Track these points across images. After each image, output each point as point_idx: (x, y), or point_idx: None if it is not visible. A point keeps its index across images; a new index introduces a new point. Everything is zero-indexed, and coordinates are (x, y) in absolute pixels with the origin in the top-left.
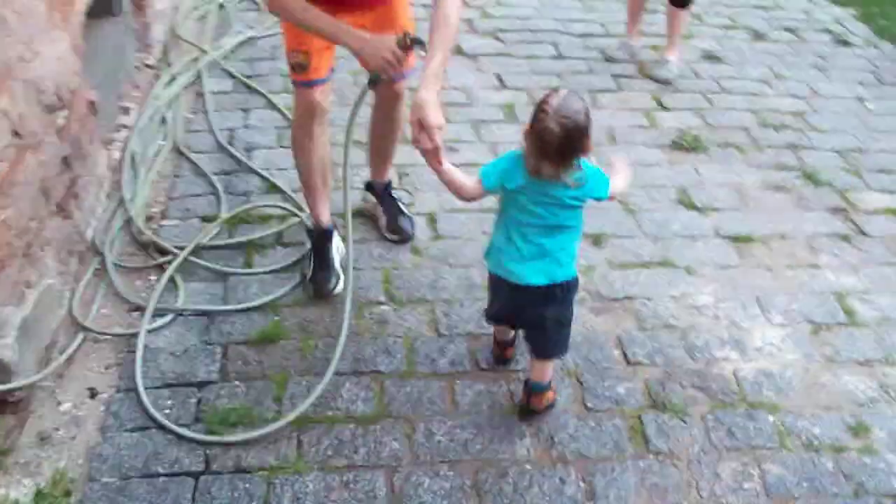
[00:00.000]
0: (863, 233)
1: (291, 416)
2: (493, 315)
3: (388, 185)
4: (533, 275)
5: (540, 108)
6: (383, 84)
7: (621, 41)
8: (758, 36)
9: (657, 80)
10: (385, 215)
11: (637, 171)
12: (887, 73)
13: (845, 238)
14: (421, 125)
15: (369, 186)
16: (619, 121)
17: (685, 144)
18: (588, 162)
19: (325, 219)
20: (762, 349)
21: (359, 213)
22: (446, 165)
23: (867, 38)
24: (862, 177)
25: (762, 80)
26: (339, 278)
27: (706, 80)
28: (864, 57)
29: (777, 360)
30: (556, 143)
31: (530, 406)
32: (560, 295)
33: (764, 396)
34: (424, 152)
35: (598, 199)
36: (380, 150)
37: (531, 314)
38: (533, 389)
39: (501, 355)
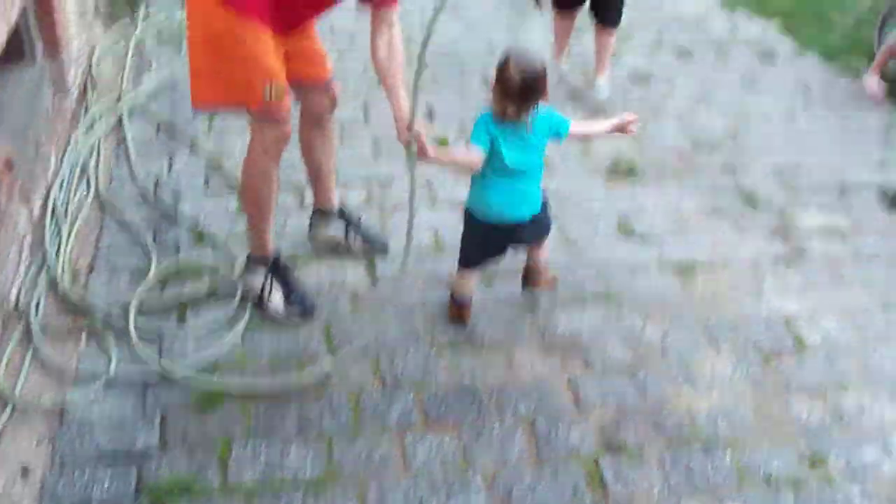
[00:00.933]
0: (803, 254)
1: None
2: (478, 260)
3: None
4: (529, 209)
5: (502, 65)
6: (319, 93)
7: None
8: (685, 53)
9: (590, 103)
10: (358, 234)
11: (575, 202)
12: (814, 86)
13: (787, 260)
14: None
15: (337, 212)
16: (553, 150)
17: (621, 171)
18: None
19: (273, 246)
20: (713, 382)
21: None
22: (438, 153)
23: (792, 51)
24: (798, 195)
25: (693, 100)
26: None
27: (637, 102)
28: (791, 70)
29: (729, 393)
30: (520, 91)
31: (536, 282)
32: (542, 215)
33: (719, 432)
34: (426, 157)
35: (560, 136)
36: (330, 169)
37: (526, 237)
38: (535, 266)
39: (460, 316)
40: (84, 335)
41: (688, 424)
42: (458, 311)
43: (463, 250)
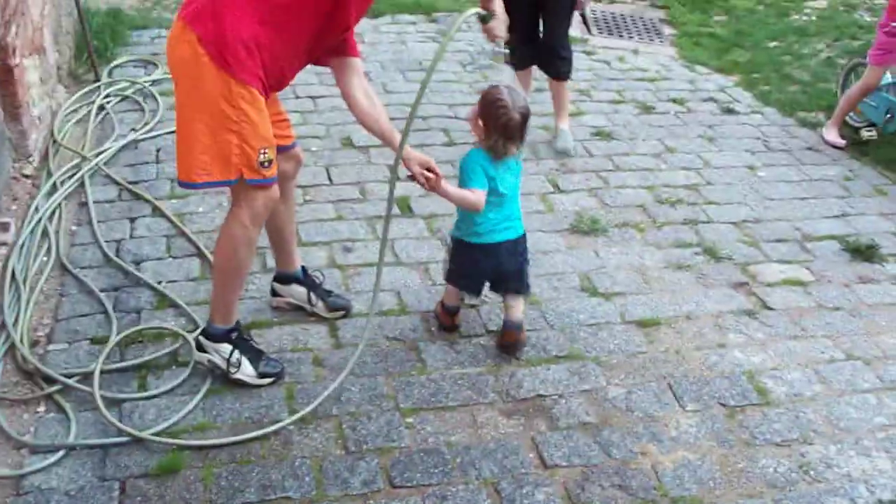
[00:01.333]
0: (766, 306)
1: None
2: (470, 284)
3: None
4: (514, 231)
5: (499, 105)
6: (285, 158)
7: None
8: (646, 109)
9: (557, 152)
10: (321, 296)
11: (537, 259)
12: (773, 139)
13: (750, 313)
14: (427, 168)
15: (299, 275)
16: None
17: (584, 228)
18: None
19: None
20: (678, 439)
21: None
22: (453, 189)
23: (751, 105)
24: (760, 248)
25: (654, 155)
26: None
27: (599, 157)
28: (750, 124)
29: (694, 449)
30: (520, 128)
31: (517, 341)
32: (523, 243)
33: (685, 489)
34: (435, 189)
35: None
36: (292, 232)
37: (510, 264)
38: (516, 327)
39: (451, 323)
40: (42, 403)
41: (654, 483)
42: (449, 319)
43: (455, 277)
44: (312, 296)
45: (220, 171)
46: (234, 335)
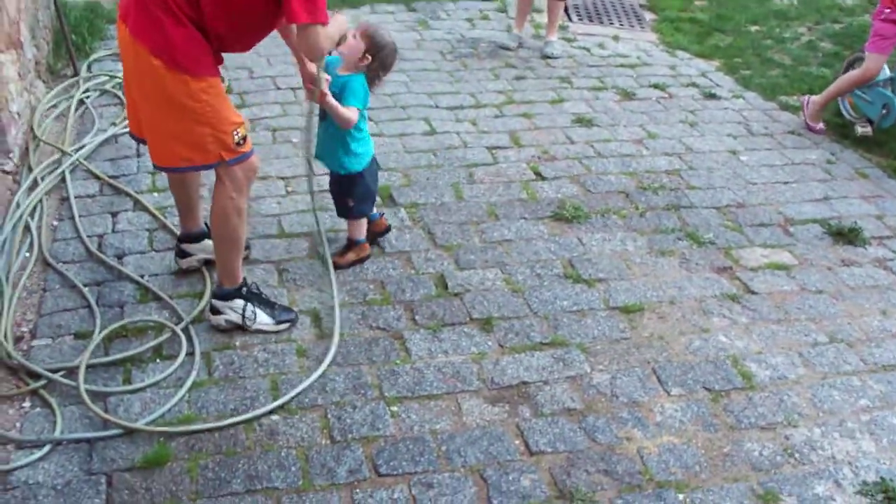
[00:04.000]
0: (750, 290)
1: None
2: (373, 199)
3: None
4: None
5: (382, 45)
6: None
7: (511, 33)
8: (627, 95)
9: (546, 57)
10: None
11: (520, 247)
12: (755, 124)
13: (733, 298)
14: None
15: (206, 231)
16: (498, 195)
17: (566, 215)
18: None
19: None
20: (663, 424)
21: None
22: (335, 103)
23: (732, 90)
24: (743, 232)
25: (636, 141)
26: None
27: (581, 145)
28: (732, 108)
29: (680, 434)
30: (393, 61)
31: (388, 226)
32: None
33: (670, 474)
34: (323, 100)
35: None
36: (199, 194)
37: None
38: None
39: (383, 228)
40: (28, 398)
41: (639, 468)
42: (377, 227)
43: (365, 201)
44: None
45: (200, 158)
46: (244, 290)
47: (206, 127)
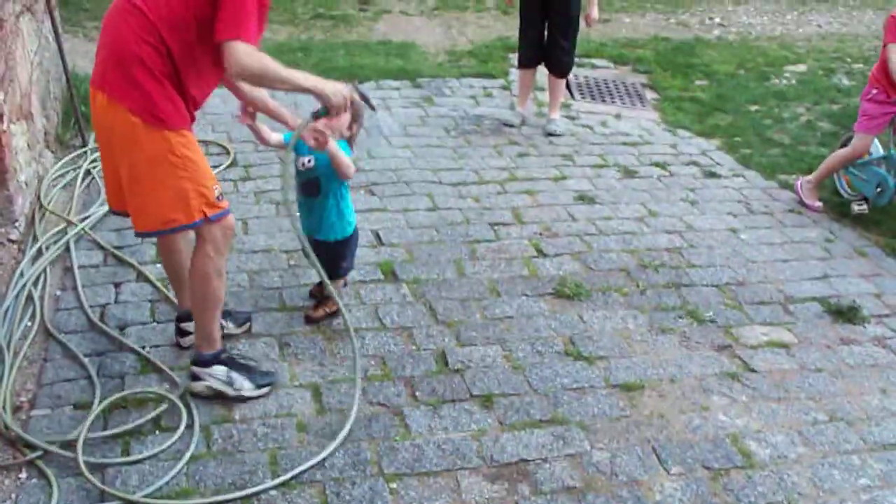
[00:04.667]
0: (750, 369)
1: None
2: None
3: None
4: None
5: (360, 111)
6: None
7: (514, 110)
8: (629, 173)
9: (548, 134)
10: (226, 317)
11: (521, 324)
12: (755, 202)
13: (733, 376)
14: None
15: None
16: (500, 272)
17: (567, 292)
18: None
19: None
20: (663, 503)
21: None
22: (339, 150)
23: (733, 168)
24: (743, 310)
25: (637, 218)
26: None
27: (582, 222)
28: (732, 187)
29: None
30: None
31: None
32: None
33: None
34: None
35: None
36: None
37: None
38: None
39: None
40: (25, 469)
41: None
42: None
43: (349, 262)
44: (222, 320)
45: (184, 217)
46: (223, 356)
47: (188, 182)
